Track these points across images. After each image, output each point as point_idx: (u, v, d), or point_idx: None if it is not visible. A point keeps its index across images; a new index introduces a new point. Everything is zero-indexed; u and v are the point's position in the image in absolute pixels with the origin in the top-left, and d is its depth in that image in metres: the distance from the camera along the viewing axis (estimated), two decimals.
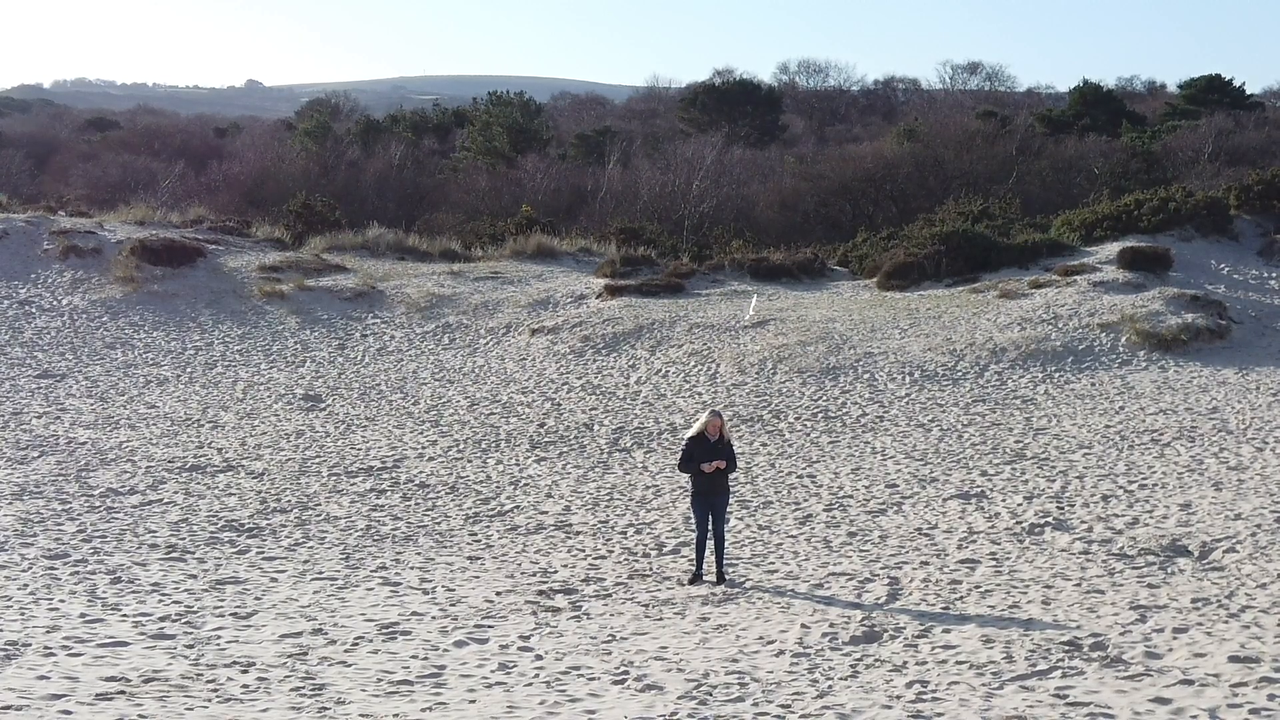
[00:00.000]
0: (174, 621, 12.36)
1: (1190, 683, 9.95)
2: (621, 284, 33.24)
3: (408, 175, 57.35)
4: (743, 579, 13.91)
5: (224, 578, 14.07)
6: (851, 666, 10.86)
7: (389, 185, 55.17)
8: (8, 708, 9.54)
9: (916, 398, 24.12)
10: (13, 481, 18.49)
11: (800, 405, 23.79)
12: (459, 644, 11.79)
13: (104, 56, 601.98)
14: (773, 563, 14.53)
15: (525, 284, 34.47)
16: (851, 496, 17.40)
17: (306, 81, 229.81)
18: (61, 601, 12.94)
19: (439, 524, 16.64)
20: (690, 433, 14.20)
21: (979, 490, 17.38)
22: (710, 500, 13.87)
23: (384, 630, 12.19)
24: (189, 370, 28.20)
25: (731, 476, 14.75)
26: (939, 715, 9.55)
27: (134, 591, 13.42)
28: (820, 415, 23.01)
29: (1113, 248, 32.35)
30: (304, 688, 10.41)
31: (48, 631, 11.82)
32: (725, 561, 14.08)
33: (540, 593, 13.56)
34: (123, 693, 10.08)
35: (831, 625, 11.99)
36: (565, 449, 21.07)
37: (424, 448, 21.22)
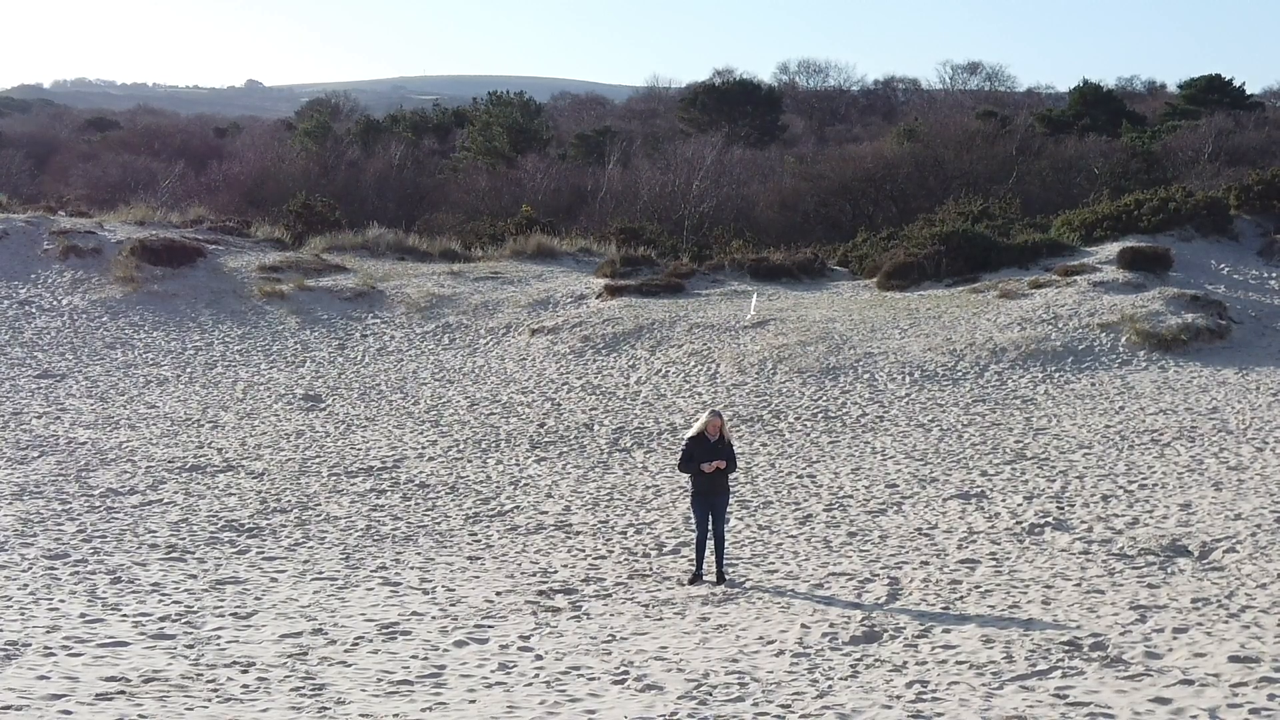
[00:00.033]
0: (174, 621, 12.36)
1: (1190, 683, 9.95)
2: (621, 284, 33.24)
3: (408, 175, 57.36)
4: (743, 579, 13.91)
5: (224, 578, 14.07)
6: (851, 666, 10.86)
7: (389, 185, 55.18)
8: (8, 708, 9.54)
9: (916, 398, 24.12)
10: (13, 481, 18.49)
11: (800, 405, 23.79)
12: (459, 644, 11.79)
13: (104, 56, 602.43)
14: (773, 563, 14.53)
15: (525, 284, 34.48)
16: (851, 496, 17.40)
17: (306, 81, 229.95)
18: (61, 601, 12.94)
19: (439, 524, 16.64)
20: (690, 433, 14.20)
21: (979, 490, 17.38)
22: (710, 500, 13.87)
23: (384, 630, 12.19)
24: (189, 370, 28.20)
25: (731, 476, 14.75)
26: (939, 715, 9.55)
27: (134, 591, 13.43)
28: (820, 415, 23.01)
29: (1113, 248, 32.36)
30: (304, 688, 10.41)
31: (48, 631, 11.82)
32: (725, 561, 14.08)
33: (540, 593, 13.56)
34: (123, 693, 10.08)
35: (831, 625, 11.99)
36: (565, 449, 21.07)
37: (424, 448, 21.22)
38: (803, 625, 12.02)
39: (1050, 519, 15.64)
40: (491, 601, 13.23)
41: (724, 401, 24.16)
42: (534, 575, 14.28)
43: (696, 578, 13.87)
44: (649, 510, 17.18)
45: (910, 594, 12.99)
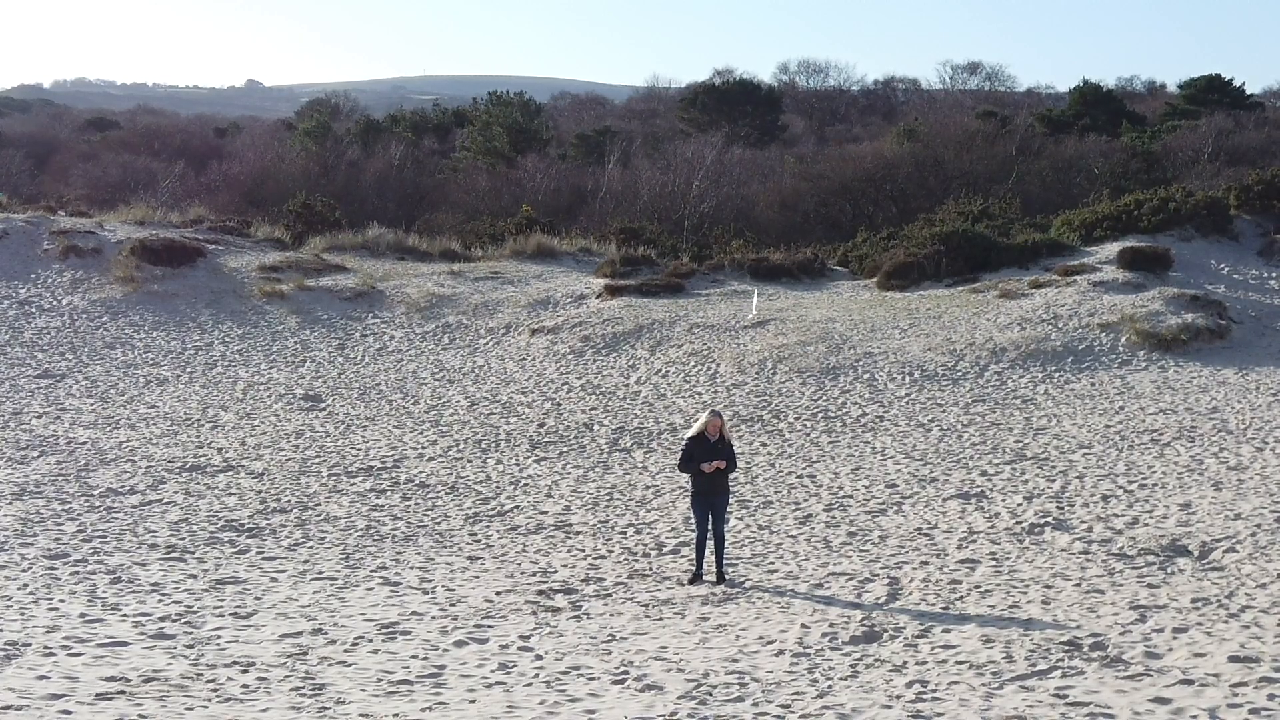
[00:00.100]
0: (174, 621, 12.36)
1: (1190, 683, 9.95)
2: (621, 284, 33.24)
3: (408, 175, 57.38)
4: (743, 579, 13.91)
5: (224, 578, 14.07)
6: (851, 666, 10.86)
7: (389, 185, 55.19)
8: (8, 708, 9.54)
9: (916, 398, 24.12)
10: (13, 481, 18.49)
11: (800, 405, 23.79)
12: (459, 644, 11.79)
13: (104, 56, 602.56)
14: (773, 563, 14.53)
15: (525, 284, 34.48)
16: (851, 496, 17.40)
17: (306, 81, 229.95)
18: (61, 601, 12.94)
19: (439, 524, 16.64)
20: (690, 433, 14.20)
21: (979, 490, 17.38)
22: (710, 500, 13.87)
23: (384, 630, 12.19)
24: (189, 370, 28.20)
25: (731, 476, 14.75)
26: (939, 715, 9.54)
27: (134, 591, 13.42)
28: (820, 415, 23.01)
29: (1113, 248, 32.36)
30: (304, 688, 10.41)
31: (48, 631, 11.82)
32: (725, 561, 14.08)
33: (540, 593, 13.56)
34: (123, 693, 10.08)
35: (831, 625, 11.99)
36: (565, 449, 21.07)
37: (424, 448, 21.22)
38: (803, 625, 12.02)
39: (1050, 519, 15.64)
40: (491, 601, 13.23)
41: (724, 401, 24.16)
42: (534, 575, 14.28)
43: (696, 578, 13.87)
44: (649, 510, 17.18)
45: (910, 594, 12.99)
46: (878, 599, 12.88)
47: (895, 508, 16.70)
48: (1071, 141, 53.98)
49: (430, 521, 16.76)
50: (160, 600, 13.12)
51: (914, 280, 32.67)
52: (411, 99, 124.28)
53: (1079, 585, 12.93)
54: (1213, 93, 66.73)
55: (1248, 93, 70.61)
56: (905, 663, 10.87)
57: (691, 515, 14.51)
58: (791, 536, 15.61)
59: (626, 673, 10.83)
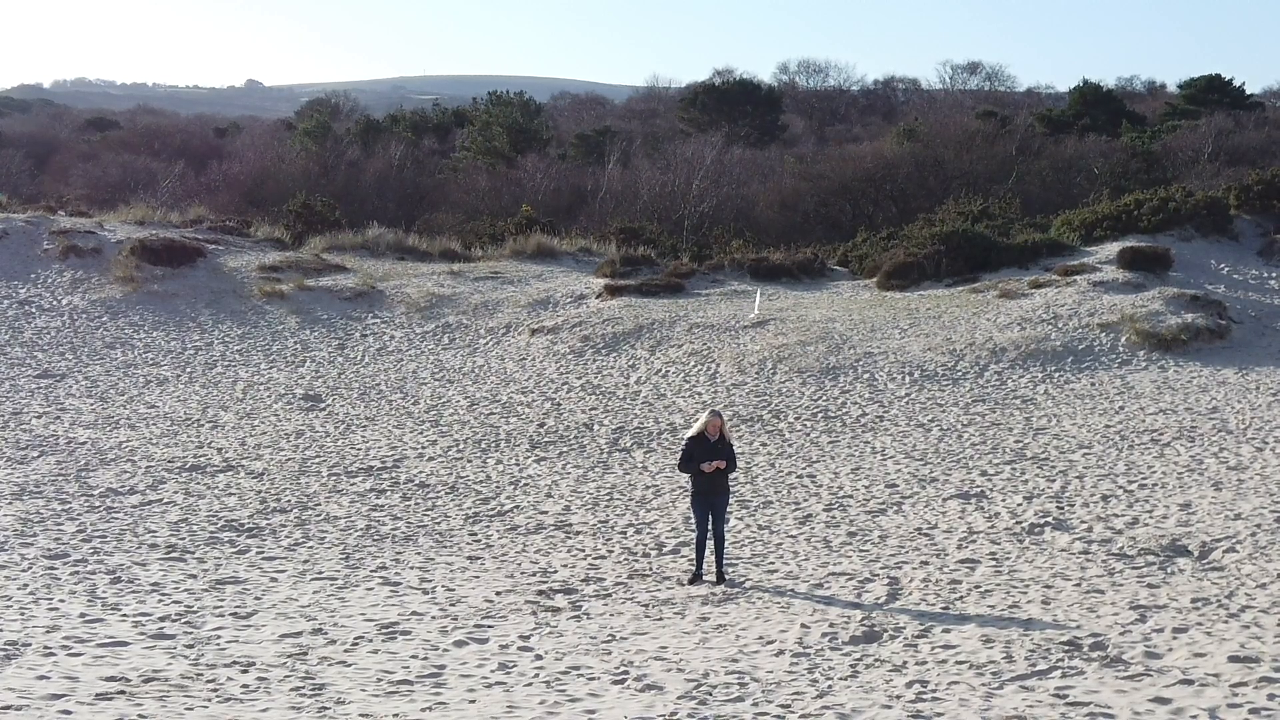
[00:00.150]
0: (174, 621, 12.36)
1: (1190, 683, 9.95)
2: (621, 284, 33.24)
3: (408, 175, 57.36)
4: (743, 579, 13.91)
5: (224, 578, 14.07)
6: (851, 666, 10.86)
7: (389, 185, 55.18)
8: (8, 708, 9.54)
9: (916, 398, 24.12)
10: (13, 481, 18.49)
11: (800, 405, 23.79)
12: (459, 644, 11.79)
13: (104, 56, 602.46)
14: (773, 563, 14.53)
15: (525, 284, 34.48)
16: (851, 496, 17.40)
17: (306, 81, 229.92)
18: (61, 601, 12.94)
19: (439, 524, 16.64)
20: (690, 433, 14.20)
21: (979, 490, 17.38)
22: (710, 500, 13.87)
23: (384, 630, 12.19)
24: (189, 370, 28.20)
25: (731, 476, 14.75)
26: (939, 715, 9.55)
27: (134, 591, 13.43)
28: (820, 415, 23.01)
29: (1113, 248, 32.36)
30: (304, 688, 10.41)
31: (48, 631, 11.82)
32: (725, 561, 14.08)
33: (540, 593, 13.56)
34: (123, 693, 10.08)
35: (831, 625, 12.00)
36: (565, 449, 21.07)
37: (424, 448, 21.22)
38: (803, 625, 12.02)
39: (1050, 519, 15.64)
40: (491, 601, 13.23)
41: (724, 401, 24.16)
42: (534, 575, 14.28)
43: (696, 578, 13.87)
44: (649, 510, 17.18)
45: (910, 594, 12.99)
46: (878, 599, 12.88)
47: (895, 508, 16.70)
48: (1071, 141, 53.98)
49: (430, 521, 16.76)
50: (160, 600, 13.12)
51: (914, 280, 32.67)
52: (411, 99, 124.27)
53: (1079, 585, 12.94)
54: (1213, 93, 66.73)
55: (1248, 93, 70.61)
56: (905, 663, 10.87)
57: (691, 515, 14.51)
58: (791, 536, 15.61)
59: (626, 673, 10.83)
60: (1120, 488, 17.13)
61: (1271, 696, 9.56)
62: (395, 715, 9.75)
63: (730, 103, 71.22)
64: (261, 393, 26.05)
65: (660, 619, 12.60)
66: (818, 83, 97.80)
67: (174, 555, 14.96)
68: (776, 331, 28.62)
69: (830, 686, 10.36)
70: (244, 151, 62.61)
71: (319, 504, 17.62)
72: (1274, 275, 31.89)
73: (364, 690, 10.38)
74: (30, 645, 11.32)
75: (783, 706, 9.90)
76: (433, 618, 12.63)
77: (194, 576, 14.08)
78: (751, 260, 35.42)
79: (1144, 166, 48.87)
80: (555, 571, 14.41)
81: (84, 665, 10.82)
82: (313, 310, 32.97)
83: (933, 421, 22.17)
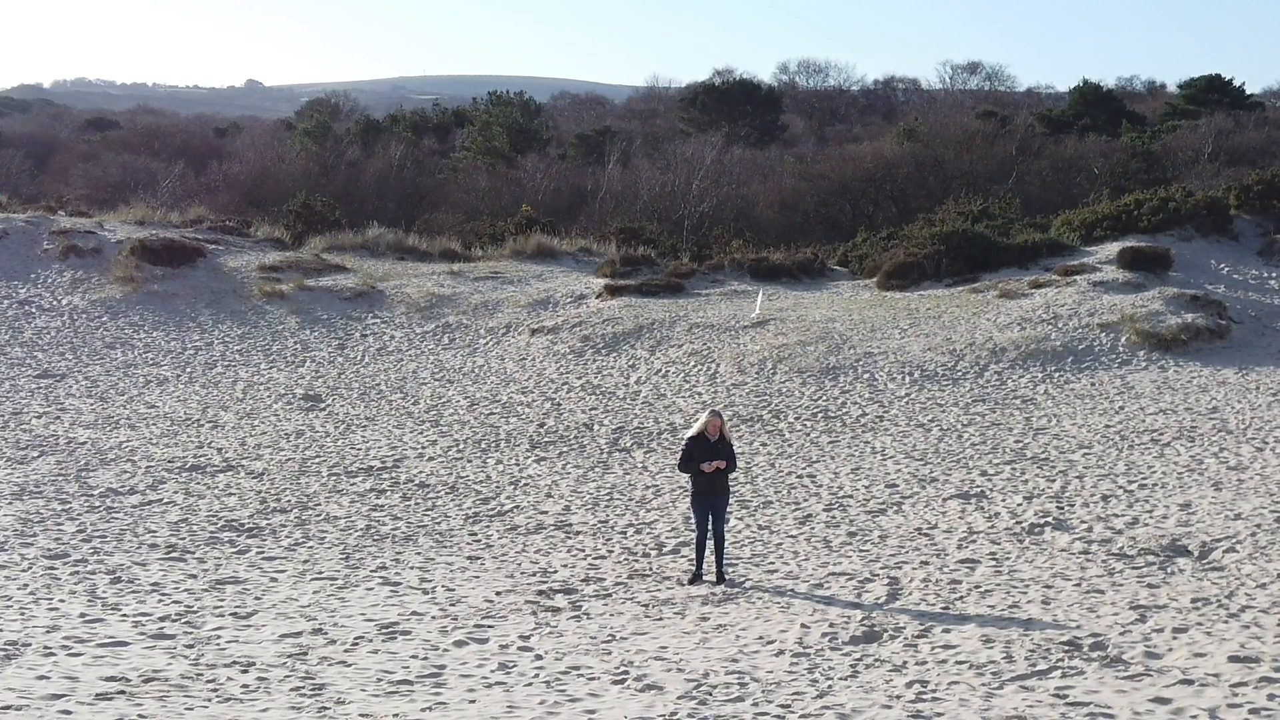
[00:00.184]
0: (174, 621, 12.36)
1: (1190, 683, 9.95)
2: (621, 284, 33.25)
3: (408, 175, 57.36)
4: (743, 579, 13.91)
5: (224, 578, 14.07)
6: (851, 666, 10.86)
7: (389, 185, 55.17)
8: (8, 708, 9.54)
9: (916, 398, 24.12)
10: (13, 481, 18.49)
11: (800, 405, 23.79)
12: (459, 644, 11.79)
13: (104, 56, 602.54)
14: (773, 563, 14.54)
15: (525, 284, 34.48)
16: (851, 496, 17.40)
17: (306, 81, 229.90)
18: (61, 601, 12.94)
19: (439, 524, 16.64)
20: (690, 433, 14.20)
21: (979, 490, 17.38)
22: (710, 500, 13.87)
23: (384, 630, 12.19)
24: (189, 370, 28.21)
25: (731, 476, 14.75)
26: (939, 715, 9.55)
27: (134, 591, 13.43)
28: (820, 415, 23.01)
29: (1113, 248, 32.36)
30: (304, 688, 10.41)
31: (48, 631, 11.82)
32: (725, 561, 14.08)
33: (540, 593, 13.56)
34: (123, 693, 10.08)
35: (831, 625, 11.99)
36: (565, 449, 21.07)
37: (424, 448, 21.22)
38: (803, 625, 12.02)
39: (1050, 519, 15.64)
40: (491, 601, 13.23)
41: (724, 401, 24.16)
42: (534, 575, 14.28)
43: (696, 578, 13.87)
44: (649, 510, 17.18)
45: (910, 594, 12.99)
46: (878, 599, 12.88)
47: (895, 508, 16.70)
48: (1071, 141, 53.97)
49: (430, 521, 16.76)
50: (160, 600, 13.12)
51: (914, 280, 32.67)
52: (411, 99, 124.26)
53: (1079, 585, 12.94)
54: (1213, 93, 66.73)
55: (1248, 93, 70.61)
56: (905, 663, 10.87)
57: (691, 515, 14.51)
58: (791, 536, 15.61)
59: (626, 673, 10.83)
60: (1120, 488, 17.13)
61: (1271, 696, 9.56)
62: (395, 715, 9.75)
63: (730, 103, 71.21)
64: (261, 393, 26.05)
65: (660, 619, 12.60)
66: (818, 83, 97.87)
67: (174, 555, 14.96)
68: (776, 331, 28.63)
69: (830, 686, 10.36)
70: (244, 151, 62.61)
71: (319, 504, 17.62)
72: (1274, 275, 31.89)
73: (364, 690, 10.38)
74: (30, 645, 11.32)
75: (783, 706, 9.90)
76: (433, 618, 12.63)
77: (194, 576, 14.08)
78: (751, 260, 35.42)
79: (1144, 166, 48.87)
80: (555, 571, 14.41)
81: (84, 665, 10.82)
82: (313, 310, 32.97)
83: (933, 421, 22.17)
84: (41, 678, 10.38)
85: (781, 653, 11.28)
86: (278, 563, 14.78)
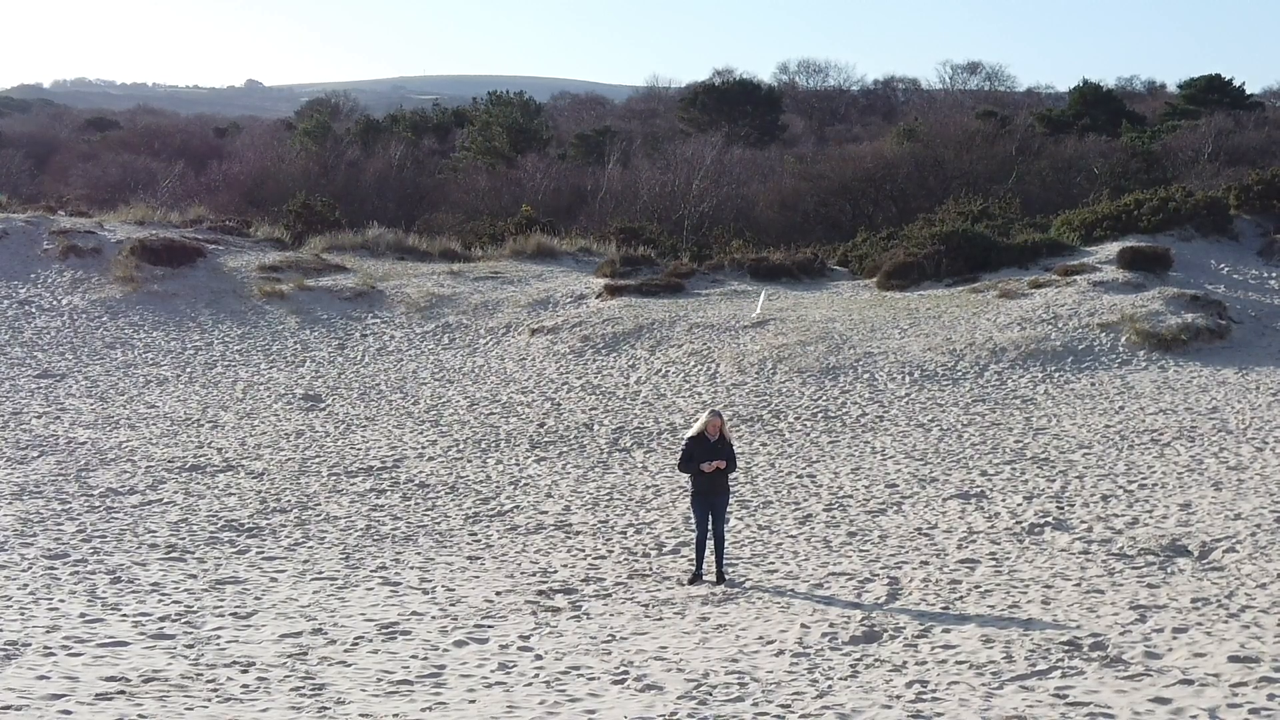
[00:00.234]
0: (174, 621, 12.36)
1: (1190, 683, 9.95)
2: (621, 284, 33.25)
3: (408, 175, 57.35)
4: (743, 579, 13.91)
5: (224, 578, 14.07)
6: (851, 666, 10.86)
7: (389, 185, 55.17)
8: (8, 708, 9.54)
9: (916, 398, 24.12)
10: (13, 481, 18.49)
11: (800, 405, 23.79)
12: (459, 644, 11.79)
13: (104, 56, 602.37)
14: (773, 563, 14.54)
15: (525, 284, 34.48)
16: (851, 496, 17.40)
17: (306, 81, 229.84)
18: (61, 601, 12.94)
19: (439, 524, 16.64)
20: (690, 433, 14.21)
21: (979, 490, 17.38)
22: (710, 500, 13.88)
23: (384, 630, 12.19)
24: (189, 370, 28.21)
25: (731, 476, 14.75)
26: (939, 715, 9.55)
27: (134, 591, 13.43)
28: (820, 415, 23.01)
29: (1113, 248, 32.37)
30: (304, 688, 10.41)
31: (48, 631, 11.82)
32: (725, 561, 14.08)
33: (540, 593, 13.56)
34: (123, 693, 10.09)
35: (831, 625, 12.00)
36: (565, 449, 21.08)
37: (424, 448, 21.22)
38: (803, 625, 12.02)
39: (1050, 519, 15.64)
40: (491, 601, 13.23)
41: (724, 401, 24.16)
42: (534, 575, 14.28)
43: (696, 578, 13.87)
44: (649, 510, 17.18)
45: (910, 594, 12.99)
46: (878, 599, 12.88)
47: (895, 508, 16.70)
48: (1071, 141, 53.98)
49: (430, 521, 16.76)
50: (160, 600, 13.12)
51: (914, 280, 32.67)
52: (411, 99, 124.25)
53: (1079, 585, 12.94)
54: (1213, 93, 66.74)
55: (1248, 93, 70.61)
56: (905, 663, 10.87)
57: (691, 515, 14.51)
58: (791, 536, 15.61)
59: (626, 673, 10.83)
60: (1120, 488, 17.13)
61: (1271, 696, 9.56)
62: (395, 715, 9.75)
63: (730, 103, 71.22)
64: (261, 393, 26.06)
65: (660, 619, 12.60)
66: (818, 83, 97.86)
67: (174, 555, 14.96)
68: (776, 331, 28.63)
69: (830, 686, 10.36)
70: (244, 151, 62.61)
71: (319, 504, 17.62)
72: (1274, 275, 31.90)
73: (364, 690, 10.38)
74: (30, 645, 11.32)
75: (783, 706, 9.90)
76: (433, 618, 12.63)
77: (194, 576, 14.09)
78: (751, 260, 35.43)
79: (1144, 166, 48.87)
80: (555, 571, 14.41)
81: (84, 665, 10.82)
82: (313, 310, 32.97)
83: (933, 421, 22.17)
84: (41, 678, 10.38)
85: (781, 653, 11.28)
86: (278, 563, 14.78)
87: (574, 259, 37.30)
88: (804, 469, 19.21)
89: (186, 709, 9.77)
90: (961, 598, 12.78)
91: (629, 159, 58.45)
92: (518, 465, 20.04)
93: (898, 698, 9.98)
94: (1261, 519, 15.01)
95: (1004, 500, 16.74)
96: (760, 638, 11.77)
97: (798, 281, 34.44)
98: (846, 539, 15.35)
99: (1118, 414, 22.15)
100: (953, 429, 21.55)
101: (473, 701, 10.16)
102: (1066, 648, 10.96)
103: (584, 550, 15.30)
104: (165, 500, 17.68)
